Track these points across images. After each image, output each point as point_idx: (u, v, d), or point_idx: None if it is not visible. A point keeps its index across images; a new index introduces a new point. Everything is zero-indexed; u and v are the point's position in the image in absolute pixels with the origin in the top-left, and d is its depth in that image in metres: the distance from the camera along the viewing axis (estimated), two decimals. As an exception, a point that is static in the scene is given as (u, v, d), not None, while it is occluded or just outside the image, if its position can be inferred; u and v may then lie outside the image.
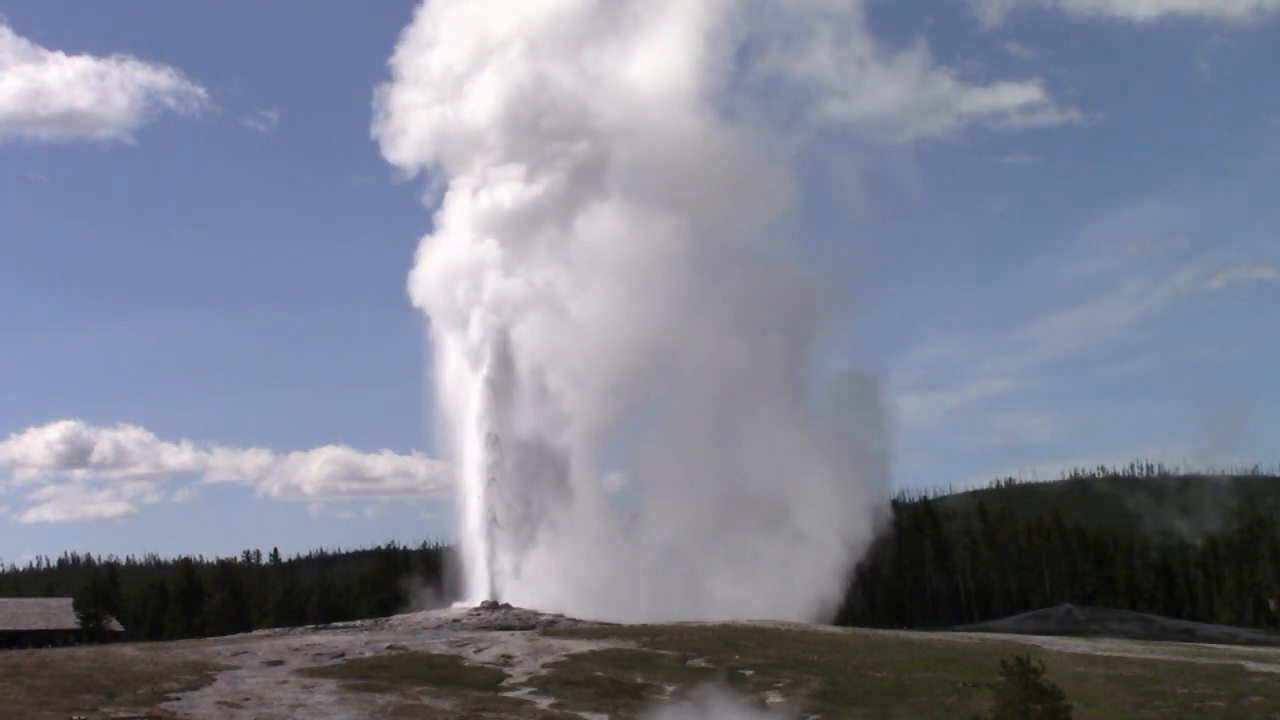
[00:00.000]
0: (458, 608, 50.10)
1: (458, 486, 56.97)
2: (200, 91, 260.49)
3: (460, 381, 57.49)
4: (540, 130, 60.43)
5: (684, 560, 60.68)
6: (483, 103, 60.10)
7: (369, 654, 34.69)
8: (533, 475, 54.59)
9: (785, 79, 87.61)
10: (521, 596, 49.80)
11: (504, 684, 31.02)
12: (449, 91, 61.43)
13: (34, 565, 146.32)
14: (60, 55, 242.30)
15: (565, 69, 63.14)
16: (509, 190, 58.86)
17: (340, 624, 50.18)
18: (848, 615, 64.93)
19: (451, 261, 58.10)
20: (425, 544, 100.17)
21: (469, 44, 61.82)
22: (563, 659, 34.18)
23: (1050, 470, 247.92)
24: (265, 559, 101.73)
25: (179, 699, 27.08)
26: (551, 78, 61.80)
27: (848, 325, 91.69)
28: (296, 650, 35.07)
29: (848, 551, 64.49)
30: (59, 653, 37.47)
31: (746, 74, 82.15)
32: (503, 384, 55.38)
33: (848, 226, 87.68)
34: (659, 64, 69.74)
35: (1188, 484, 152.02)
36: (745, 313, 69.09)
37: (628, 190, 64.69)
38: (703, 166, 68.57)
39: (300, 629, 47.98)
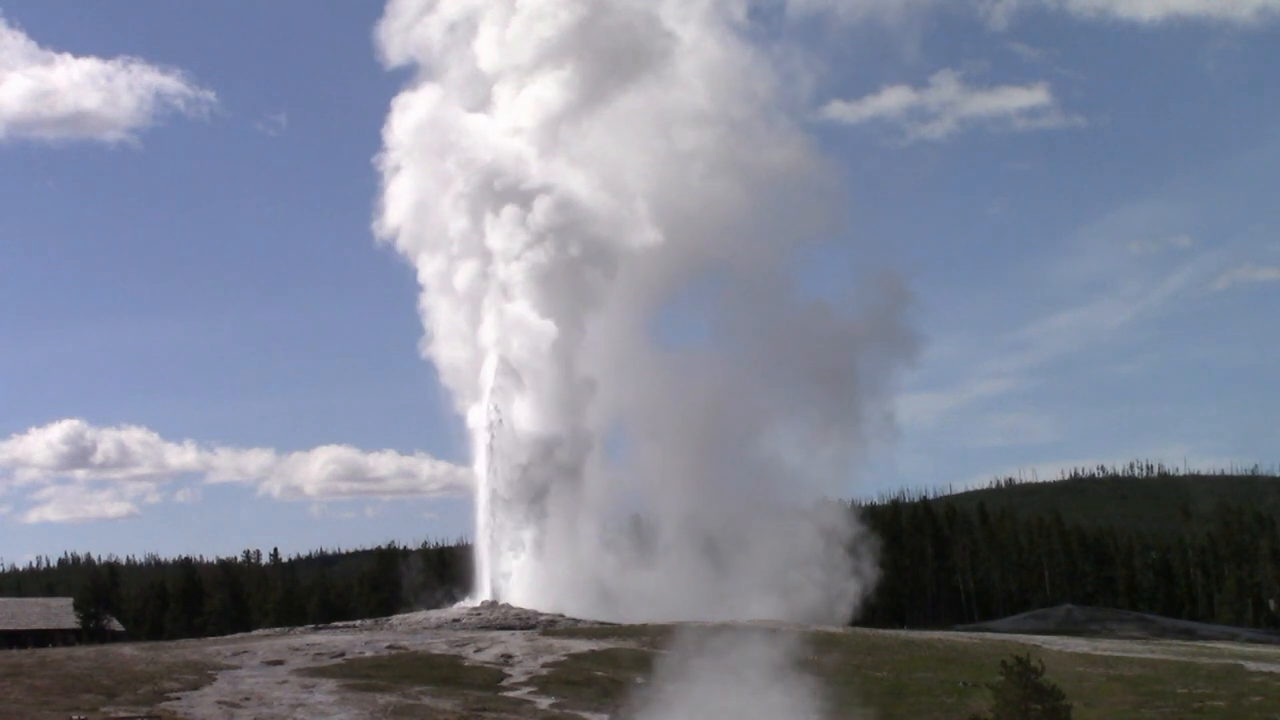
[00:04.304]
0: (458, 607, 50.16)
1: (465, 485, 57.13)
2: (209, 95, 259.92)
3: (463, 364, 57.33)
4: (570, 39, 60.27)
5: (685, 555, 60.37)
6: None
7: (369, 654, 34.72)
8: (537, 475, 54.46)
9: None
10: (522, 596, 49.81)
11: (504, 684, 31.04)
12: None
13: (34, 565, 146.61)
14: (67, 57, 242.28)
15: None
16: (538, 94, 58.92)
17: (340, 624, 50.20)
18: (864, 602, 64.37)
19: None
20: (426, 543, 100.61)
21: None
22: (563, 659, 34.22)
23: (1050, 470, 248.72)
24: (265, 559, 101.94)
25: (179, 699, 27.07)
26: None
27: (866, 228, 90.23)
28: (296, 650, 35.08)
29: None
30: (59, 652, 37.45)
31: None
32: (509, 386, 55.03)
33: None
34: None
35: (1187, 484, 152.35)
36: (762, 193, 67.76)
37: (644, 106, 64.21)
38: (724, 82, 68.39)
39: (300, 629, 48.01)
